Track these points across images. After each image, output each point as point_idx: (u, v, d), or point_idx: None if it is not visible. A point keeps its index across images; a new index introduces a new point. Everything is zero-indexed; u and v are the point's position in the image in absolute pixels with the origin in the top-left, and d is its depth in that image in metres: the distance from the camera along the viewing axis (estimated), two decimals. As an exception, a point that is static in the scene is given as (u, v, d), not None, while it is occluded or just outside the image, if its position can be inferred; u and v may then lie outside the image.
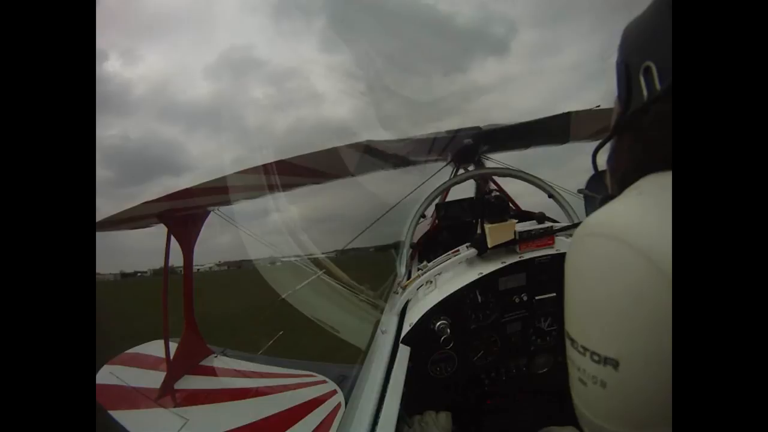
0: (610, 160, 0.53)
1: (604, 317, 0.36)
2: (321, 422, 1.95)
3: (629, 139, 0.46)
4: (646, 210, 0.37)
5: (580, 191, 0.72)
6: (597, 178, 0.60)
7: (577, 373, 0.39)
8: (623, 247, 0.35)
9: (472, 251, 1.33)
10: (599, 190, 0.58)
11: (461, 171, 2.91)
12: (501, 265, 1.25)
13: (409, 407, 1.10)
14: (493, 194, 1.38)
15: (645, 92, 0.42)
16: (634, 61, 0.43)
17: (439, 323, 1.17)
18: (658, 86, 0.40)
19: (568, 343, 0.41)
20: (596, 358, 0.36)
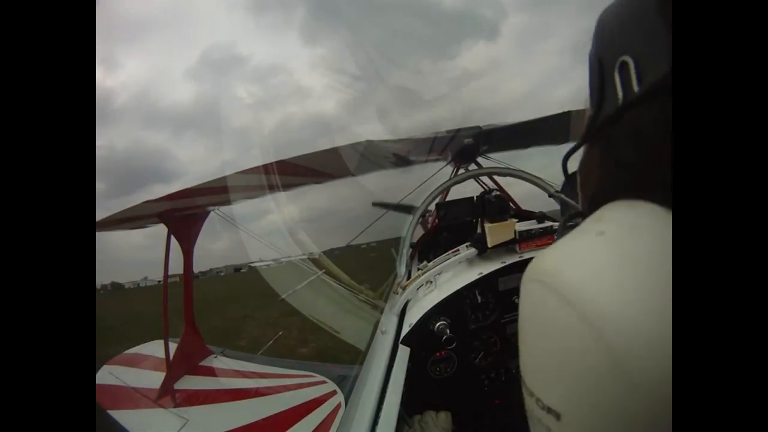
0: (581, 170, 0.45)
1: (546, 366, 0.33)
2: (321, 422, 1.94)
3: (598, 151, 0.39)
4: (601, 262, 0.30)
5: (556, 193, 0.66)
6: (568, 183, 0.53)
7: (528, 411, 0.36)
8: (566, 307, 0.30)
9: (472, 251, 1.33)
10: (572, 196, 0.52)
11: (461, 171, 2.92)
12: (501, 265, 1.24)
13: (409, 407, 1.10)
14: (493, 194, 1.38)
15: (620, 93, 0.35)
16: (608, 56, 0.36)
17: (438, 324, 1.17)
18: (635, 86, 0.33)
19: (525, 391, 0.36)
20: (540, 405, 0.33)
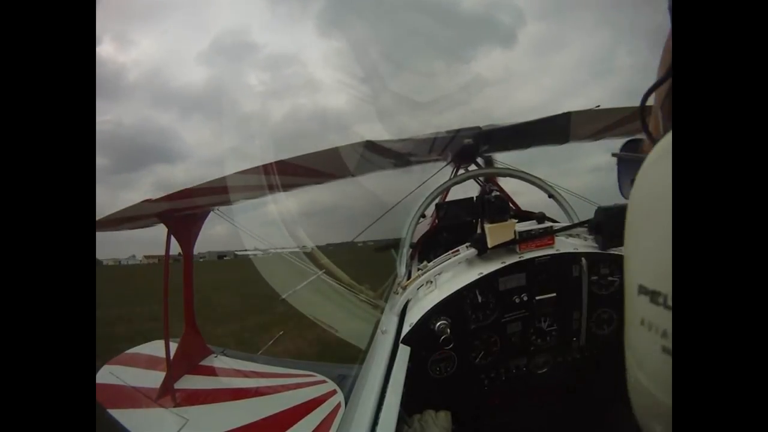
0: (665, 107, 0.47)
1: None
2: (321, 422, 1.94)
3: None
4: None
5: (614, 155, 0.66)
6: (635, 141, 0.54)
7: (661, 340, 0.30)
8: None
9: (472, 251, 1.33)
10: (638, 152, 0.53)
11: (461, 171, 2.92)
12: (501, 265, 1.24)
13: (409, 407, 1.10)
14: (493, 194, 1.38)
15: None
16: None
17: (439, 323, 1.17)
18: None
19: (642, 300, 0.32)
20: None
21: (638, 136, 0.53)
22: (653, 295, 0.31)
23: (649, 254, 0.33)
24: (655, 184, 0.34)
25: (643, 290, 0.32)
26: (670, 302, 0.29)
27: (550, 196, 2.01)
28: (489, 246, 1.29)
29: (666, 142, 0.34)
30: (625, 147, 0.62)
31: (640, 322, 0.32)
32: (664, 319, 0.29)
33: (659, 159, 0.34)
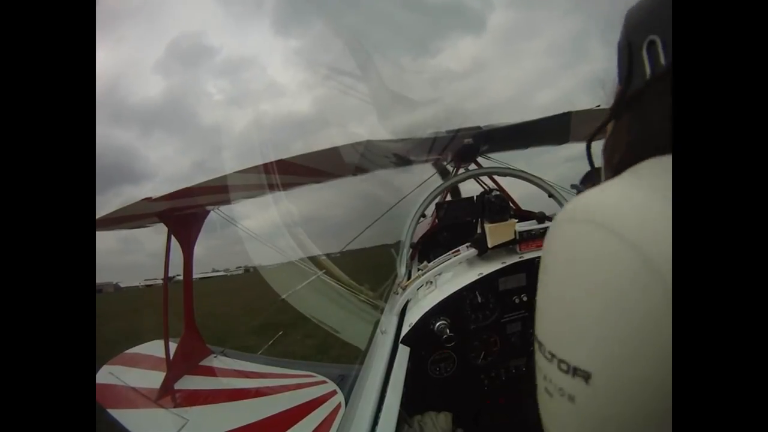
0: (607, 148, 0.48)
1: (580, 319, 0.31)
2: (321, 422, 1.94)
3: (628, 120, 0.42)
4: (643, 196, 0.32)
5: (573, 186, 0.68)
6: (592, 174, 0.55)
7: (543, 382, 0.34)
8: (612, 237, 0.30)
9: (472, 251, 1.33)
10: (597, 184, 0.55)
11: (461, 171, 2.92)
12: (501, 266, 1.24)
13: (409, 407, 1.10)
14: (493, 194, 1.38)
15: (648, 69, 0.39)
16: (637, 38, 0.40)
17: (439, 323, 1.17)
18: (663, 61, 0.37)
19: (536, 346, 0.36)
20: (564, 367, 0.31)
21: (597, 168, 0.54)
22: (540, 346, 0.35)
23: (541, 307, 0.36)
24: (552, 247, 0.37)
25: (536, 338, 0.36)
26: (546, 353, 0.34)
27: (550, 195, 2.01)
28: (489, 246, 1.29)
29: (566, 211, 0.36)
30: (585, 179, 0.63)
31: (535, 362, 0.37)
32: (545, 366, 0.34)
33: (557, 226, 0.36)
